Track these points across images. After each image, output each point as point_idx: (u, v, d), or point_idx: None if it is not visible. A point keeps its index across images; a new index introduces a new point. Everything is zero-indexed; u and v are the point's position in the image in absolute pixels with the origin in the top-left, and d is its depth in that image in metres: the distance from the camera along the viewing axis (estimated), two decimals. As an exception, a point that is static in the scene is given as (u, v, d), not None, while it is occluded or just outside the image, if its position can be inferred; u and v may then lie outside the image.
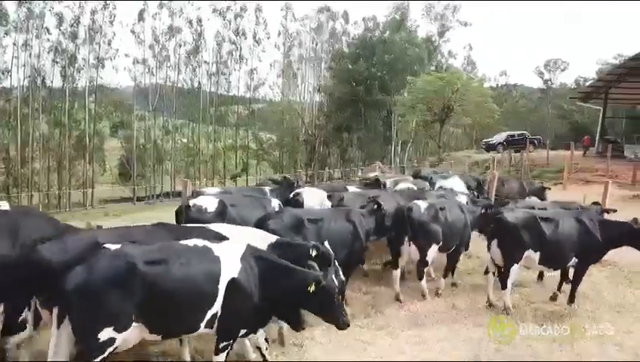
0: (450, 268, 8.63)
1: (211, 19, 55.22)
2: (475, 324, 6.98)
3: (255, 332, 5.18)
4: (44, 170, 44.38)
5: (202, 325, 4.55)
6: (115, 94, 52.04)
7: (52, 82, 45.61)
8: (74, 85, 46.56)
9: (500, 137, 42.75)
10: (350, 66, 50.37)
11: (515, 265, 7.33)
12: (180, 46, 51.00)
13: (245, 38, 53.29)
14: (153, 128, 50.42)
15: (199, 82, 53.10)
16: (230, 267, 4.58)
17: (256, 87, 56.23)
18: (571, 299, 7.76)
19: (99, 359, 4.12)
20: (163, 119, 51.57)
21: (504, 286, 7.38)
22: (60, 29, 44.53)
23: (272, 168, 56.91)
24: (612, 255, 9.56)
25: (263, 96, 58.75)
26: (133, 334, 4.32)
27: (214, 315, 4.55)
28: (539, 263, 7.47)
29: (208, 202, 8.17)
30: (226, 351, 4.81)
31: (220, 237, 5.37)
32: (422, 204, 8.06)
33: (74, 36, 45.10)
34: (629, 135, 42.77)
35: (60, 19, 44.27)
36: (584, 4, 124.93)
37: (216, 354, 4.74)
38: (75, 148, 45.69)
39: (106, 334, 4.08)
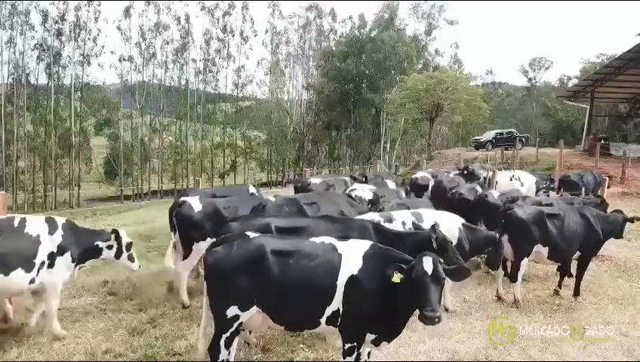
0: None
1: (199, 17, 54.96)
2: (488, 317, 7.20)
3: (389, 341, 4.83)
4: (29, 169, 43.88)
5: (322, 321, 4.56)
6: (101, 92, 51.61)
7: (37, 80, 45.19)
8: (59, 83, 46.12)
9: (488, 135, 43.24)
10: (339, 64, 50.56)
11: (525, 259, 7.61)
12: (168, 43, 50.80)
13: (233, 36, 53.26)
14: (140, 126, 50.08)
15: (187, 80, 52.91)
16: (351, 264, 4.54)
17: (243, 84, 56.29)
18: (576, 291, 8.06)
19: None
20: (150, 117, 51.30)
21: (514, 280, 7.65)
22: (44, 26, 44.05)
23: (260, 166, 56.96)
24: (608, 250, 10.11)
25: (251, 93, 58.74)
26: (257, 319, 4.62)
27: (335, 312, 4.54)
28: (547, 257, 7.76)
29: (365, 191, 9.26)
30: (354, 355, 4.63)
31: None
32: None
33: (59, 33, 44.68)
34: (612, 133, 43.67)
35: (45, 16, 43.81)
36: (567, 4, 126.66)
37: (343, 356, 4.71)
38: (60, 147, 45.24)
39: (232, 311, 4.51)
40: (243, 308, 4.52)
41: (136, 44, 48.76)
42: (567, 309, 7.66)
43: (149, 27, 48.88)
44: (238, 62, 55.05)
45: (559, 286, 8.38)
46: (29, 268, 5.65)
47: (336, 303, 4.49)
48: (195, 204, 7.44)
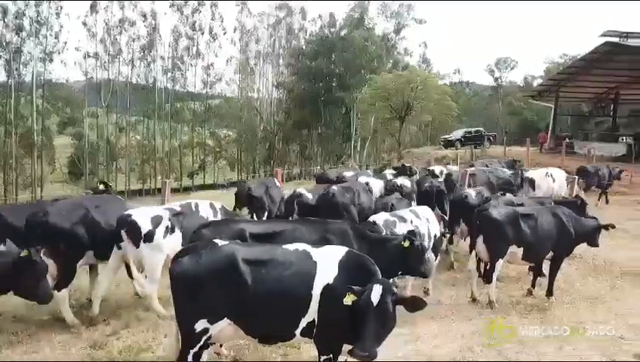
0: None
1: (168, 14, 53.91)
2: (464, 319, 7.12)
3: None
4: (-13, 170, 42.26)
5: (297, 333, 4.34)
6: (64, 89, 50.09)
7: (-5, 77, 43.48)
8: (20, 80, 44.48)
9: (457, 134, 43.74)
10: (309, 63, 50.35)
11: (500, 260, 7.56)
12: (134, 40, 49.62)
13: (202, 34, 52.48)
14: (106, 125, 48.82)
15: (154, 78, 51.85)
16: (326, 272, 4.32)
17: (212, 83, 55.50)
18: (549, 291, 8.04)
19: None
20: (116, 116, 50.07)
21: (489, 281, 7.59)
22: (4, 21, 42.40)
23: (229, 165, 56.31)
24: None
25: (220, 92, 58.00)
26: (228, 331, 4.39)
27: (310, 324, 4.31)
28: (522, 258, 7.73)
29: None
30: None
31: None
32: None
33: (18, 29, 43.02)
34: (575, 132, 44.76)
35: (5, 11, 42.14)
36: (531, 4, 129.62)
37: None
38: (21, 146, 43.66)
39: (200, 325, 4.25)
40: (212, 321, 4.26)
41: (101, 40, 47.49)
42: (541, 309, 7.63)
43: (115, 23, 47.65)
44: (207, 60, 54.28)
45: (532, 286, 8.37)
46: None
47: (312, 314, 4.28)
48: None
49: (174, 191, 45.82)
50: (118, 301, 7.48)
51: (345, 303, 3.98)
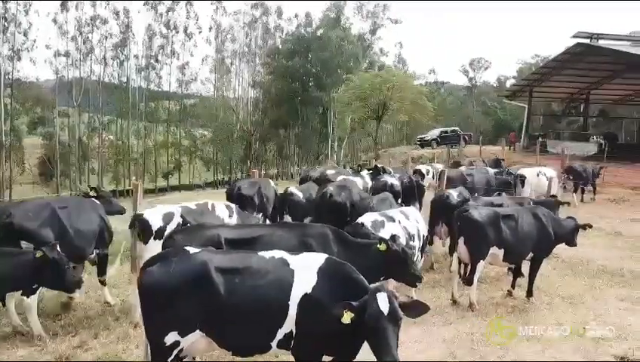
0: None
1: (142, 12, 52.94)
2: (445, 323, 7.01)
3: (348, 360, 4.25)
4: (-48, 172, 40.81)
5: (274, 344, 4.09)
6: (34, 88, 48.66)
7: (-41, 76, 41.98)
8: (-15, 79, 43.06)
9: (433, 133, 44.08)
10: (286, 62, 50.03)
11: (482, 261, 7.47)
12: (106, 38, 48.51)
13: (177, 33, 51.62)
14: (77, 125, 47.62)
15: (127, 77, 50.81)
16: (305, 281, 4.07)
17: (188, 82, 54.59)
18: (529, 292, 8.00)
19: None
20: (89, 115, 48.84)
21: (470, 283, 7.49)
22: (-32, 18, 40.98)
23: (205, 166, 55.58)
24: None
25: (196, 91, 57.16)
26: (200, 344, 4.14)
27: (288, 335, 4.05)
28: (503, 259, 7.65)
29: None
30: None
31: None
32: None
33: (-17, 26, 41.64)
34: (547, 131, 45.60)
35: (-32, 8, 40.72)
36: (504, 4, 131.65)
37: None
38: (-11, 147, 42.31)
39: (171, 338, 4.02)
40: (184, 333, 4.02)
41: (72, 38, 46.26)
42: (521, 311, 7.58)
43: (87, 21, 46.48)
44: (182, 59, 53.41)
45: (512, 287, 8.31)
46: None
47: (289, 325, 4.05)
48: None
49: (149, 191, 45.15)
50: (86, 309, 7.14)
51: (343, 322, 3.72)
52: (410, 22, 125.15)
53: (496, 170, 15.38)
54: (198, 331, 4.03)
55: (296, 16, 56.16)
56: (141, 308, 4.15)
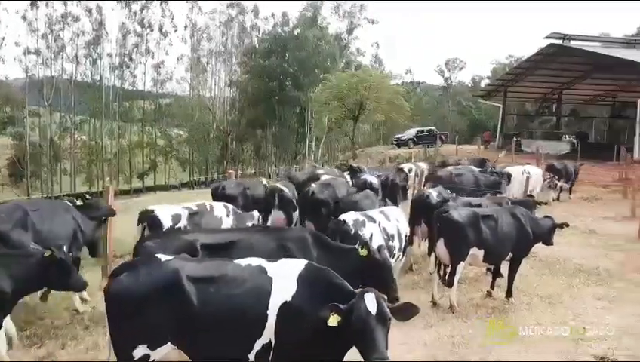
0: None
1: (115, 10, 51.83)
2: (426, 325, 6.91)
3: None
4: None
5: (251, 357, 3.88)
6: (3, 87, 47.37)
7: None
8: (-48, 78, 41.75)
9: (410, 133, 44.30)
10: (262, 62, 49.67)
11: (462, 262, 7.40)
12: (78, 36, 47.43)
13: (151, 31, 50.79)
14: (49, 125, 46.44)
15: (101, 76, 49.79)
16: (284, 289, 3.88)
17: (163, 81, 53.78)
18: (509, 293, 7.97)
19: None
20: (60, 115, 47.68)
21: (450, 285, 7.41)
22: None
23: (181, 166, 54.85)
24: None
25: (171, 91, 56.33)
26: (171, 357, 3.96)
27: (267, 346, 3.85)
28: (483, 260, 7.60)
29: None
30: None
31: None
32: None
33: (-53, 24, 40.33)
34: (520, 130, 46.34)
35: None
36: (478, 4, 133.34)
37: None
38: (-45, 148, 41.03)
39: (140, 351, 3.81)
40: (154, 347, 3.82)
41: (42, 36, 45.08)
42: (501, 311, 7.54)
43: (57, 18, 45.35)
44: (157, 58, 52.59)
45: (492, 287, 8.28)
46: None
47: (268, 335, 3.87)
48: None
49: (124, 193, 44.33)
50: (54, 318, 6.82)
51: (330, 324, 3.58)
52: (386, 22, 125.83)
53: (480, 170, 15.51)
54: (169, 344, 3.84)
55: (272, 15, 55.80)
56: (108, 320, 3.92)
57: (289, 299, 3.87)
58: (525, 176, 15.13)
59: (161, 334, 3.79)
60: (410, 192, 14.33)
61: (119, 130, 51.06)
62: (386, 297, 3.84)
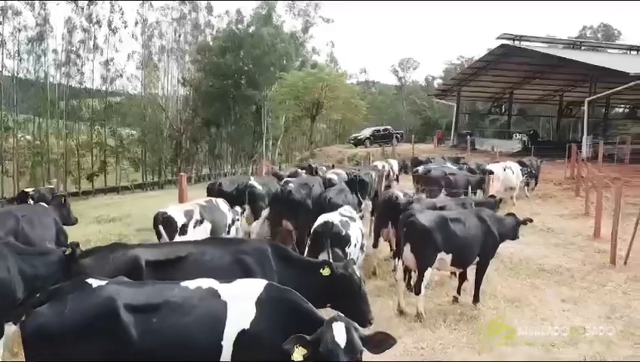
0: None
1: (61, 4, 49.51)
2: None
3: None
4: None
5: None
6: None
7: None
8: None
9: (366, 132, 44.41)
10: (217, 59, 48.56)
11: (429, 268, 7.07)
12: (20, 31, 44.97)
13: (100, 27, 48.79)
14: (-11, 124, 43.81)
15: (46, 73, 47.44)
16: (241, 315, 3.36)
17: (113, 79, 51.77)
18: (476, 298, 7.74)
19: None
20: (1, 114, 45.04)
21: (418, 292, 7.07)
22: None
23: (133, 166, 52.99)
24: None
25: (122, 89, 54.30)
26: None
27: None
28: (451, 264, 7.31)
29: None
30: None
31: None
32: None
33: None
34: (472, 129, 47.28)
35: None
36: (430, 4, 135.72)
37: None
38: None
39: None
40: None
41: (-21, 30, 42.44)
42: (470, 318, 7.27)
43: (-4, 12, 42.77)
44: (107, 55, 50.55)
45: (458, 292, 8.00)
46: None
47: None
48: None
49: (73, 194, 42.35)
50: None
51: (294, 360, 3.13)
52: (341, 21, 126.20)
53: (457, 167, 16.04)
54: None
55: (227, 12, 54.80)
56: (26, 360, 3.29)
57: (247, 326, 3.39)
58: (507, 172, 15.50)
59: None
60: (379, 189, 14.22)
61: (66, 129, 48.83)
62: (357, 326, 3.41)
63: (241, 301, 3.47)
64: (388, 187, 15.74)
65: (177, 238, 7.30)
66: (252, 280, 3.84)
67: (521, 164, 18.95)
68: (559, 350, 6.29)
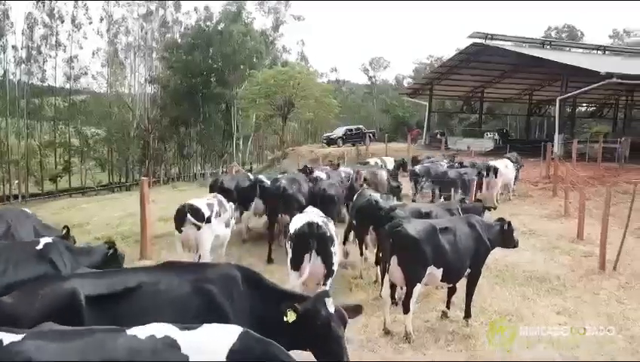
0: None
1: (21, -1, 47.47)
2: (381, 360, 5.89)
3: None
4: None
5: None
6: None
7: None
8: None
9: (339, 131, 43.95)
10: (185, 57, 47.30)
11: (419, 284, 6.37)
12: (-23, 26, 42.89)
13: (62, 22, 46.95)
14: (-57, 124, 41.65)
15: (5, 70, 45.42)
16: None
17: (77, 76, 50.01)
18: (467, 313, 7.11)
19: None
20: (-42, 113, 42.93)
21: (407, 311, 6.36)
22: None
23: (100, 166, 51.19)
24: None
25: (86, 86, 52.46)
26: None
27: None
28: (441, 280, 6.64)
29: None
30: None
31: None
32: None
33: None
34: (443, 128, 47.36)
35: None
36: (400, 4, 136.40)
37: None
38: None
39: None
40: None
41: None
42: (463, 337, 6.63)
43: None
44: (70, 52, 48.70)
45: (447, 306, 7.32)
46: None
47: None
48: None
49: (35, 195, 40.53)
50: None
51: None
52: (311, 20, 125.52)
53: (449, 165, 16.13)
54: None
55: (195, 9, 53.49)
56: None
57: None
58: (509, 169, 15.46)
59: None
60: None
61: (28, 128, 46.86)
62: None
63: (206, 354, 2.72)
64: None
65: (205, 226, 7.88)
66: (223, 326, 3.01)
67: (510, 160, 18.74)
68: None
